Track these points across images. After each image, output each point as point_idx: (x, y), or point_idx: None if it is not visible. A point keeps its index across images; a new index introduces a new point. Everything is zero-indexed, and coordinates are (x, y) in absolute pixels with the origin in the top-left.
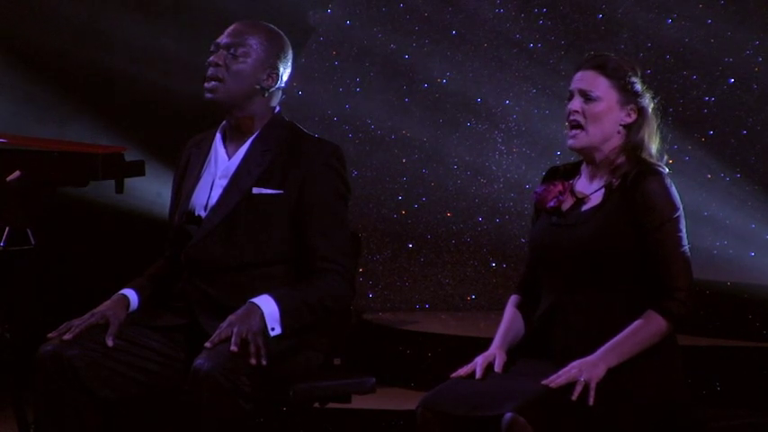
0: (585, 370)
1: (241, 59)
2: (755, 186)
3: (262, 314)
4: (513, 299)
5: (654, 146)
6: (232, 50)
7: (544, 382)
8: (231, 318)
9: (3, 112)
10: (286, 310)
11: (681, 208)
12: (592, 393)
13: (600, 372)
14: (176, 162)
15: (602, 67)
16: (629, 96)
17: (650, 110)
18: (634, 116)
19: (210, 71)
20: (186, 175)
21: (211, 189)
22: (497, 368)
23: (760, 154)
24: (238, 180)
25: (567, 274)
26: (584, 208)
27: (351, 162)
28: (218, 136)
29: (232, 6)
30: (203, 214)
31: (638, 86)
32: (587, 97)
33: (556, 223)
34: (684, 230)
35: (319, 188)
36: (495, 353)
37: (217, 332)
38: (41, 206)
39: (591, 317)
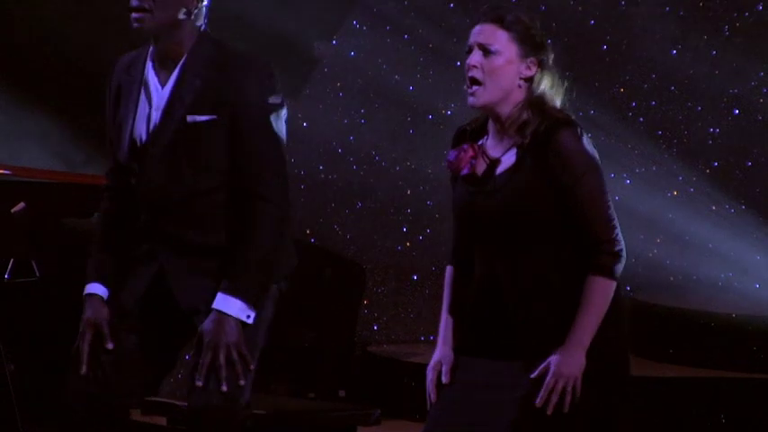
0: (566, 370)
1: None
2: (760, 218)
3: (232, 318)
4: (448, 272)
5: (558, 98)
6: None
7: (538, 403)
8: (206, 339)
9: None
10: (247, 293)
11: (596, 157)
12: (578, 385)
13: (580, 362)
14: (106, 87)
15: (500, 20)
16: (528, 49)
17: (550, 61)
18: (534, 69)
19: (135, 2)
20: (120, 106)
21: (149, 121)
22: (445, 378)
23: (765, 185)
24: (172, 110)
25: (494, 241)
26: (499, 171)
27: (355, 194)
28: (149, 64)
29: (236, 36)
30: (143, 150)
31: (538, 38)
32: (486, 51)
33: (474, 191)
34: (603, 180)
35: (252, 107)
36: (442, 359)
37: (200, 360)
38: (46, 238)
39: (523, 282)
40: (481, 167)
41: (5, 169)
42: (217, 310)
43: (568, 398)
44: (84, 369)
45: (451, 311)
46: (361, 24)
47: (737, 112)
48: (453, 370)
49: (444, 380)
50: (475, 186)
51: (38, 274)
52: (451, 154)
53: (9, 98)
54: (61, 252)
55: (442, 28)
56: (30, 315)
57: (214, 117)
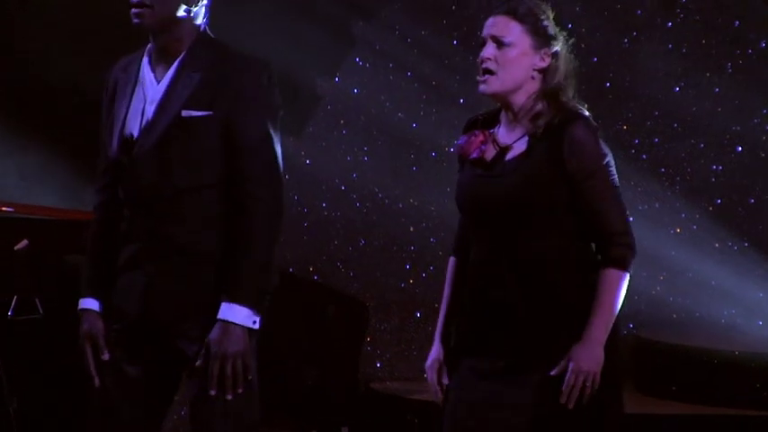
0: (584, 365)
1: None
2: (764, 255)
3: (239, 327)
4: (450, 263)
5: (571, 89)
6: None
7: (561, 401)
8: (214, 349)
9: None
10: (252, 299)
11: (609, 152)
12: (597, 380)
13: (598, 357)
14: (103, 89)
15: (513, 12)
16: (542, 40)
17: (564, 52)
18: (548, 60)
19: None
20: (115, 102)
21: (142, 115)
22: (445, 378)
23: None
24: (167, 104)
25: (497, 227)
26: (509, 157)
27: (359, 231)
28: (145, 60)
29: None
30: (135, 144)
31: (552, 30)
32: (500, 43)
33: (481, 175)
34: (615, 174)
35: (249, 106)
36: (438, 358)
37: (210, 370)
38: (49, 275)
39: (523, 269)
40: (491, 153)
41: (8, 206)
42: (223, 320)
43: (588, 392)
44: (96, 382)
45: (450, 305)
46: (364, 61)
47: (740, 149)
48: (451, 368)
49: (444, 380)
50: (483, 170)
51: (41, 311)
52: (462, 138)
53: (13, 134)
54: (64, 289)
55: (444, 65)
56: (33, 352)
57: (210, 113)
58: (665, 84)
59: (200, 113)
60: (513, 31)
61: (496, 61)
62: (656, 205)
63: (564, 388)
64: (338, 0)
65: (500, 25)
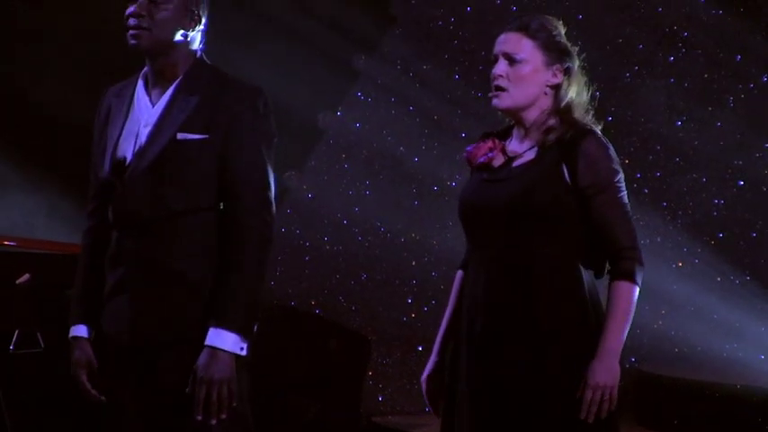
0: (601, 380)
1: (163, 7)
2: (765, 289)
3: (227, 354)
4: (457, 276)
5: (583, 106)
6: None
7: (581, 417)
8: (200, 374)
9: None
10: (239, 325)
11: (620, 168)
12: (614, 394)
13: (614, 370)
14: (95, 114)
15: (525, 28)
16: (554, 56)
17: (576, 68)
18: (560, 76)
19: (132, 22)
20: (108, 125)
21: (136, 138)
22: (440, 391)
23: None
24: (162, 126)
25: (498, 231)
26: (516, 164)
27: (361, 265)
28: (140, 83)
29: None
30: (128, 166)
31: (563, 46)
32: (512, 60)
33: (486, 179)
34: (625, 189)
35: (245, 132)
36: (435, 370)
37: (196, 395)
38: (50, 309)
39: (520, 274)
40: (499, 160)
41: (10, 240)
42: (211, 347)
43: (606, 406)
44: (99, 399)
45: (452, 317)
46: (366, 96)
47: (742, 183)
48: (449, 378)
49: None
50: (488, 174)
51: (42, 345)
52: (470, 146)
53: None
54: (66, 323)
55: (446, 99)
56: (34, 386)
57: (206, 136)
58: (666, 118)
59: (195, 137)
60: (526, 48)
61: (508, 78)
62: (658, 239)
63: (583, 406)
64: (340, 34)
65: (512, 42)
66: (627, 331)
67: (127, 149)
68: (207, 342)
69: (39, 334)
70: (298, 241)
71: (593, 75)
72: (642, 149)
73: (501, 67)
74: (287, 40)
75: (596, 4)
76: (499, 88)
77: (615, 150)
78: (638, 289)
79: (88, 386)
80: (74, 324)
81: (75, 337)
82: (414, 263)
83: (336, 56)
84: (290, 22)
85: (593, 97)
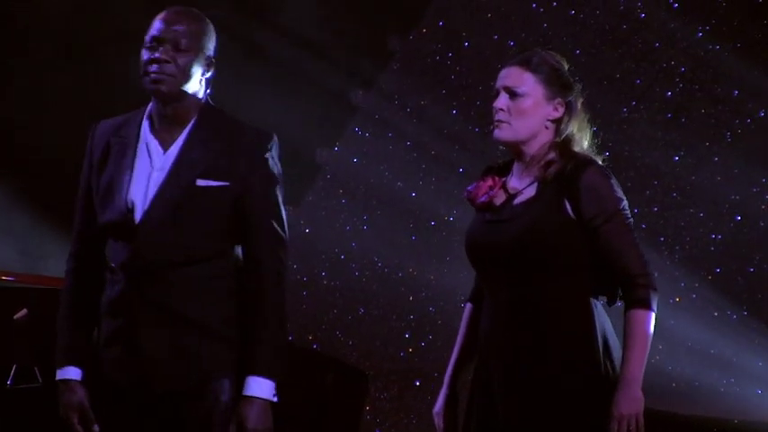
0: (626, 410)
1: (186, 53)
2: (763, 324)
3: (267, 402)
4: (466, 310)
5: (585, 140)
6: (176, 44)
7: None
8: (250, 426)
9: None
10: (274, 372)
11: (623, 196)
12: (641, 421)
13: (638, 399)
14: (85, 152)
15: (527, 63)
16: (555, 91)
17: (578, 103)
18: (561, 110)
19: (156, 68)
20: (108, 166)
21: (148, 182)
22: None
23: (767, 291)
24: (179, 172)
25: (505, 271)
26: (517, 201)
27: (358, 300)
28: (145, 124)
29: None
30: (141, 210)
31: (565, 80)
32: (513, 93)
33: (490, 220)
34: (630, 216)
35: (262, 178)
36: (446, 404)
37: None
38: (48, 344)
39: (531, 312)
40: (500, 199)
41: (8, 275)
42: (253, 397)
43: None
44: None
45: (462, 351)
46: (364, 131)
47: (739, 218)
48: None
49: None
50: (491, 214)
51: (40, 380)
52: (471, 185)
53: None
54: None
55: (444, 135)
56: (32, 422)
57: (227, 183)
58: (664, 152)
59: (217, 183)
60: (527, 82)
61: (509, 111)
62: (655, 274)
63: None
64: (338, 69)
65: (513, 76)
66: (646, 359)
67: (137, 193)
68: (248, 392)
69: (36, 369)
70: (295, 276)
71: (591, 110)
72: (639, 184)
73: (502, 100)
74: (285, 76)
75: (594, 39)
76: (500, 122)
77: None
78: (653, 315)
79: (80, 429)
80: (62, 366)
81: (66, 380)
82: (411, 298)
83: (334, 91)
84: (288, 57)
85: (595, 134)
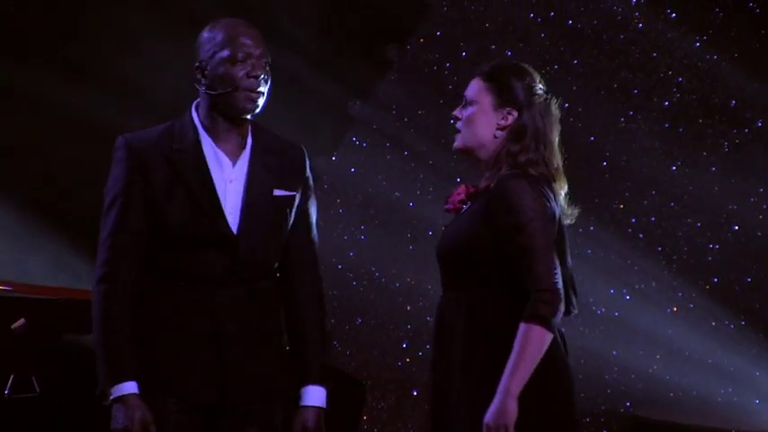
0: (492, 420)
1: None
2: (760, 334)
3: (322, 409)
4: None
5: (552, 154)
6: (266, 62)
7: None
8: None
9: None
10: (325, 379)
11: (549, 209)
12: None
13: (509, 410)
14: (123, 163)
15: (484, 72)
16: (505, 100)
17: (537, 114)
18: (511, 120)
19: (262, 87)
20: (172, 179)
21: (225, 194)
22: None
23: (765, 301)
24: (257, 183)
25: (442, 275)
26: (463, 210)
27: (356, 310)
28: (208, 139)
29: None
30: (235, 221)
31: (520, 90)
32: (465, 102)
33: (445, 226)
34: (549, 231)
35: (309, 189)
36: None
37: None
38: (46, 354)
39: (459, 317)
40: (465, 206)
41: (6, 285)
42: (313, 406)
43: None
44: None
45: None
46: (361, 140)
47: (737, 228)
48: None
49: None
50: (451, 221)
51: (38, 390)
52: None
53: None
54: (62, 368)
55: (441, 144)
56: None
57: (295, 193)
58: (661, 163)
59: (289, 193)
60: (477, 91)
61: (462, 120)
62: (653, 284)
63: None
64: (335, 80)
65: (470, 85)
66: (529, 374)
67: (225, 205)
68: (308, 402)
69: (34, 379)
70: None
71: (589, 120)
72: (637, 194)
73: (457, 109)
74: (283, 86)
75: (591, 49)
76: (457, 130)
77: (610, 195)
78: (548, 333)
79: None
80: (122, 381)
81: (130, 395)
82: (408, 307)
83: (332, 101)
84: (286, 67)
85: (581, 156)
